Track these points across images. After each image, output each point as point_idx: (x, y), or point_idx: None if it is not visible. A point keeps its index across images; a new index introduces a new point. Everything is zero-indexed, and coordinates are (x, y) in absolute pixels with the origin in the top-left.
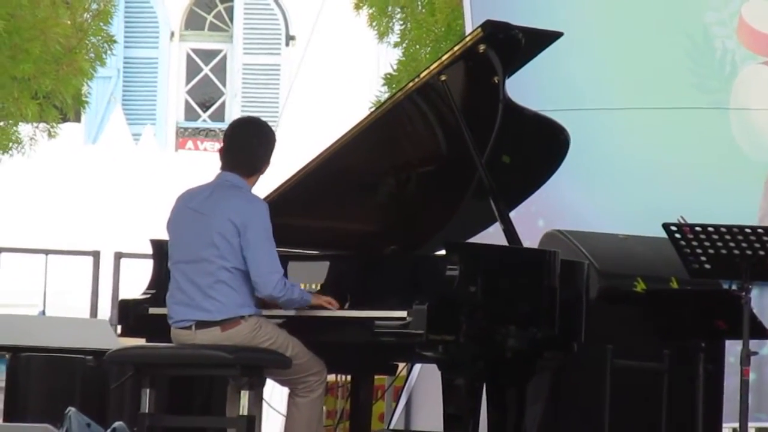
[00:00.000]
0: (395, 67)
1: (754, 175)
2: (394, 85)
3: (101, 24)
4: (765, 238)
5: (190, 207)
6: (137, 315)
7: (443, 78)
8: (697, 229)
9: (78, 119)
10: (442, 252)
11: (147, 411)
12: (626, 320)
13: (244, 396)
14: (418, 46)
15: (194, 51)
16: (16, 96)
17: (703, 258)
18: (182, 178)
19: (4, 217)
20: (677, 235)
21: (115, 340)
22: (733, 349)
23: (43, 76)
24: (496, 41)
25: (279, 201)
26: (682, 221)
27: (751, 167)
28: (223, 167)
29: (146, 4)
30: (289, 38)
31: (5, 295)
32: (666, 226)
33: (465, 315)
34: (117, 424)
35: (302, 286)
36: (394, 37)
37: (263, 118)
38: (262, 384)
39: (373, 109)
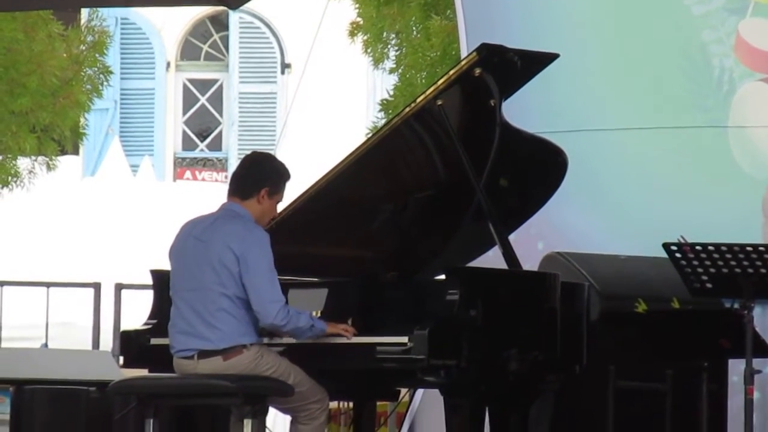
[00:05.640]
0: (391, 92)
1: (754, 192)
2: (390, 111)
3: (97, 55)
4: (766, 256)
5: (193, 235)
6: (139, 346)
7: (439, 102)
8: (698, 248)
9: (76, 152)
10: (442, 276)
11: None
12: (628, 341)
13: (247, 424)
14: (413, 72)
15: (190, 81)
16: (14, 130)
17: (704, 277)
18: (181, 209)
19: (4, 250)
20: (678, 255)
21: (117, 371)
22: (736, 368)
23: (41, 110)
24: (492, 64)
25: (277, 228)
26: (682, 240)
27: (750, 184)
28: (228, 195)
29: (142, 35)
30: (285, 66)
31: (7, 328)
32: (666, 246)
33: (466, 339)
34: None
35: None
36: (389, 63)
37: (260, 146)
38: (265, 412)
39: (370, 135)
